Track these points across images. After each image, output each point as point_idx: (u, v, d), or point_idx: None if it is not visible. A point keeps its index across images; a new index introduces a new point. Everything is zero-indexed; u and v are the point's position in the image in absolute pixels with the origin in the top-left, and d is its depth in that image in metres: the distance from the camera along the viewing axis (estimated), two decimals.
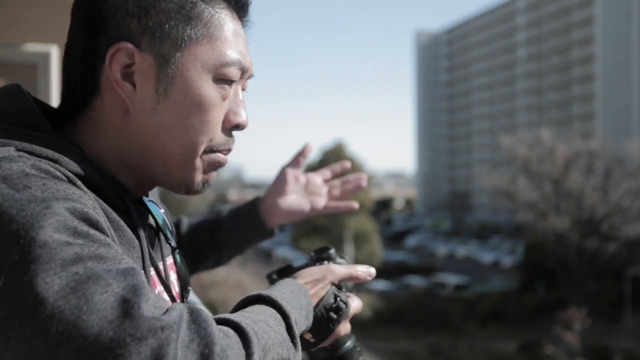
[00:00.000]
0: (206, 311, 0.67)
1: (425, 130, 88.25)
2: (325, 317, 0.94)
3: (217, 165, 0.91)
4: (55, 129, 0.87)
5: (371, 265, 1.03)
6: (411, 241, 56.51)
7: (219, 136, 0.89)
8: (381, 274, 37.40)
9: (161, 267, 0.93)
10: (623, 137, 44.87)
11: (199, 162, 0.89)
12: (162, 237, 0.97)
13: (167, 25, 0.84)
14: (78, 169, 0.78)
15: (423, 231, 63.15)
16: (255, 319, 0.75)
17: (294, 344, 0.79)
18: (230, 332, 0.68)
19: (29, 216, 0.62)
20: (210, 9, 0.86)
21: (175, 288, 0.98)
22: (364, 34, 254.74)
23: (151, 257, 0.88)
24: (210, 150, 0.89)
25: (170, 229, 0.99)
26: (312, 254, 1.10)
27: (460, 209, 66.73)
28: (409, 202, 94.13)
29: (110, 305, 0.59)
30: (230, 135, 0.91)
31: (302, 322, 0.86)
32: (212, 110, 0.87)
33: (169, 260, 0.99)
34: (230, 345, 0.65)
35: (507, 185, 32.87)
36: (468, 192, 72.12)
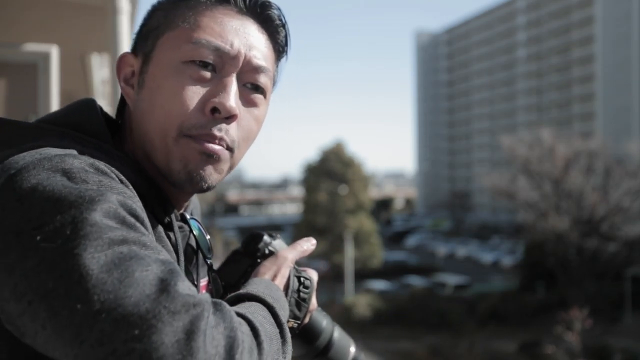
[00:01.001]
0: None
1: (425, 130, 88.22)
2: (298, 298, 0.99)
3: (198, 151, 0.88)
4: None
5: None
6: (411, 241, 56.55)
7: (192, 118, 0.87)
8: (381, 274, 37.34)
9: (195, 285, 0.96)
10: (623, 137, 44.82)
11: (173, 147, 0.88)
12: (200, 256, 0.99)
13: (152, 28, 0.93)
14: (129, 177, 0.82)
15: (423, 231, 63.16)
16: (251, 311, 0.78)
17: (282, 330, 0.82)
18: (242, 321, 0.72)
19: (84, 201, 0.68)
20: (189, 4, 0.92)
21: None
22: (364, 34, 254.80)
23: (187, 273, 0.92)
24: (184, 134, 0.87)
25: (209, 247, 1.01)
26: (244, 248, 1.07)
27: (460, 209, 66.71)
28: (409, 202, 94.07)
29: (150, 282, 0.64)
30: (214, 121, 0.88)
31: (282, 313, 0.89)
32: (180, 91, 0.87)
33: (203, 281, 1.01)
34: (245, 332, 0.70)
35: (507, 185, 32.82)
36: (468, 192, 72.09)
